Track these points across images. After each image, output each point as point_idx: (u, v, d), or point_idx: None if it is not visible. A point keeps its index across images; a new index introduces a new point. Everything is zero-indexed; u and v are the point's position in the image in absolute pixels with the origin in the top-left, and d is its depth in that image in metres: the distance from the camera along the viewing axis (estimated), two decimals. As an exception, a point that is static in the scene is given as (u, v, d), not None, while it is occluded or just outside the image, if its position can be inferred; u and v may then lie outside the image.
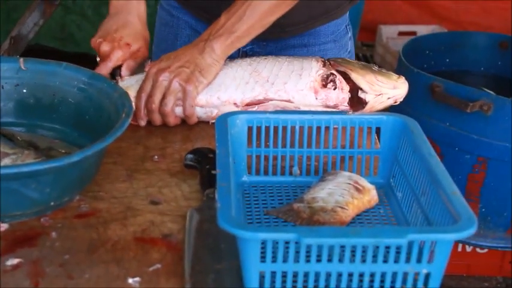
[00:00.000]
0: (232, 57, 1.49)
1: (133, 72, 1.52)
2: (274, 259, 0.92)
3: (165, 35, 1.79)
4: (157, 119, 1.40)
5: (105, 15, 1.61)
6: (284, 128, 1.22)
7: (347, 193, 1.11)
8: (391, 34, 3.82)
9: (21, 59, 1.28)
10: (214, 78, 1.42)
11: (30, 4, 2.39)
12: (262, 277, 0.94)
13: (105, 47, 1.51)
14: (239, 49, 1.64)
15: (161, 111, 1.39)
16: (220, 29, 1.43)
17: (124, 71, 1.50)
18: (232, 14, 1.43)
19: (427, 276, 0.95)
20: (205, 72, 1.40)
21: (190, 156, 1.24)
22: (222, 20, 1.44)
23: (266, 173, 1.23)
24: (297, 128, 1.22)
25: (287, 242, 0.91)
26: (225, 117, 1.20)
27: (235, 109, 1.40)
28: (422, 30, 3.75)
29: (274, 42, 1.68)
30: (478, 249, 2.71)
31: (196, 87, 1.39)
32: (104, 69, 1.49)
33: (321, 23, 1.69)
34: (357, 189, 1.13)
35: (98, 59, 1.56)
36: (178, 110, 1.41)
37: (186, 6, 1.73)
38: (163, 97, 1.38)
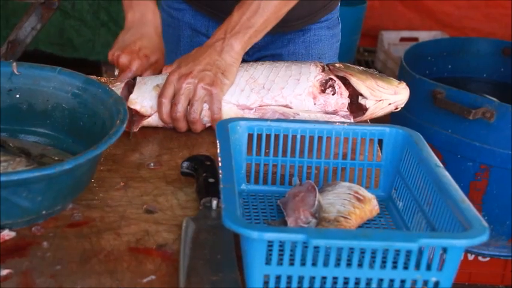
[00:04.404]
0: None
1: None
2: (280, 262, 0.90)
3: (168, 36, 1.78)
4: (183, 126, 1.37)
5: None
6: (285, 137, 1.19)
7: (348, 203, 1.09)
8: (392, 40, 3.81)
9: (14, 64, 1.25)
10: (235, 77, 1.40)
11: (28, 9, 2.37)
12: (265, 282, 0.92)
13: (124, 59, 1.49)
14: None
15: (189, 118, 1.36)
16: (236, 26, 1.41)
17: None
18: (246, 9, 1.41)
19: (436, 285, 0.93)
20: (227, 72, 1.38)
21: (186, 163, 1.22)
22: (235, 16, 1.42)
23: (265, 182, 1.20)
24: (298, 137, 1.19)
25: (293, 247, 0.88)
26: (226, 123, 1.18)
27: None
28: (424, 36, 3.74)
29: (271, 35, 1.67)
30: (480, 258, 2.70)
31: (221, 89, 1.37)
32: (123, 79, 1.47)
33: (320, 17, 1.71)
34: (358, 199, 1.10)
35: (116, 72, 1.54)
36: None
37: None
38: (190, 104, 1.36)
